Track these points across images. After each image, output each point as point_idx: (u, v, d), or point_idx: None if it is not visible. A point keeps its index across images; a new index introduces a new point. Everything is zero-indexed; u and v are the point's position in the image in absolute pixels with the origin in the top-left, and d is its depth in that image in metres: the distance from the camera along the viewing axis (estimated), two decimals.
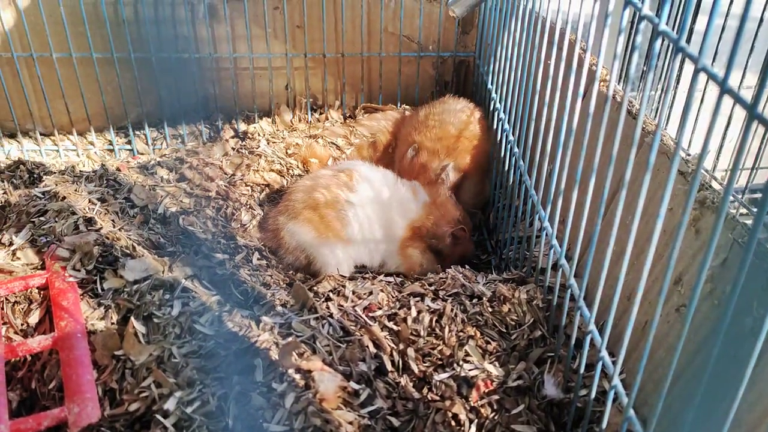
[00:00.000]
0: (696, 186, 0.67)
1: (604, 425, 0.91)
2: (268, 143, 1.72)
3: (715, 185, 1.02)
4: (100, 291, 1.06)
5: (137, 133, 1.92)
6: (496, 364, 1.02)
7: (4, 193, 1.55)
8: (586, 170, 1.04)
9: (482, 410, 0.96)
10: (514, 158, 1.34)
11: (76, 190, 1.26)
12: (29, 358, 1.03)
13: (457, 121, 1.57)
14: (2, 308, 1.06)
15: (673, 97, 1.76)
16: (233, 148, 1.68)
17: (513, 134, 1.37)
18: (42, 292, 1.09)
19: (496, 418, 0.96)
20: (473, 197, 1.60)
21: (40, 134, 1.89)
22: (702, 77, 0.60)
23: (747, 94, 0.53)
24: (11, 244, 1.15)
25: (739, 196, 1.62)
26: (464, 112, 1.60)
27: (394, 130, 1.76)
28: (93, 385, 0.92)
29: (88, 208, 1.22)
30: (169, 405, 0.89)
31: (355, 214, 1.37)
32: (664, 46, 1.69)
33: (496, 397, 0.98)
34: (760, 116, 0.52)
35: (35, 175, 1.62)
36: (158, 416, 0.88)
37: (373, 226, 1.39)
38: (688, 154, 1.53)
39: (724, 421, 0.63)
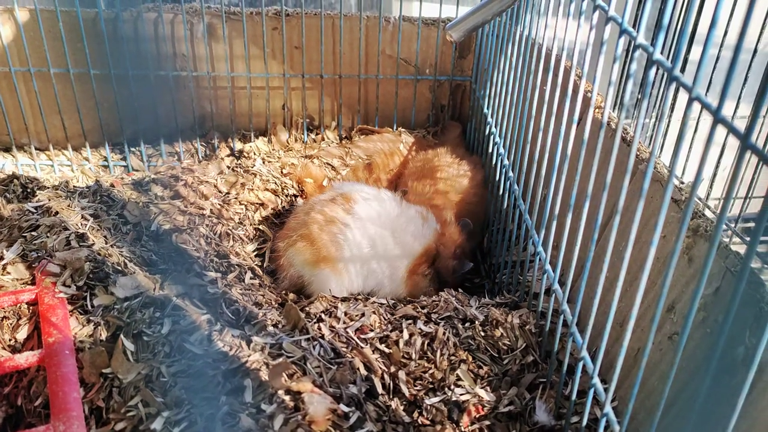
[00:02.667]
0: (689, 214, 0.67)
1: None
2: (263, 162, 1.72)
3: (709, 214, 1.03)
4: (89, 307, 1.05)
5: (133, 149, 1.92)
6: (488, 388, 1.02)
7: None
8: (580, 196, 1.05)
9: None
10: (508, 182, 1.34)
11: (69, 206, 1.26)
12: (16, 374, 1.02)
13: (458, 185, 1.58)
14: None
15: (667, 125, 1.78)
16: (228, 167, 1.68)
17: (508, 159, 1.38)
18: (31, 308, 1.08)
19: None
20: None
21: (36, 149, 1.89)
22: (696, 106, 0.60)
23: (741, 124, 0.53)
24: (1, 258, 1.14)
25: (733, 225, 1.63)
26: (465, 177, 1.60)
27: (403, 161, 1.76)
28: (79, 403, 0.91)
29: (81, 224, 1.21)
30: (156, 425, 0.88)
31: (353, 237, 1.36)
32: (659, 75, 1.70)
33: (488, 422, 0.97)
34: (753, 146, 0.52)
35: (29, 190, 1.61)
36: None
37: (376, 250, 1.38)
38: (682, 182, 1.53)
39: None
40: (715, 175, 1.58)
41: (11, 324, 1.07)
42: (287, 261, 1.37)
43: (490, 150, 1.55)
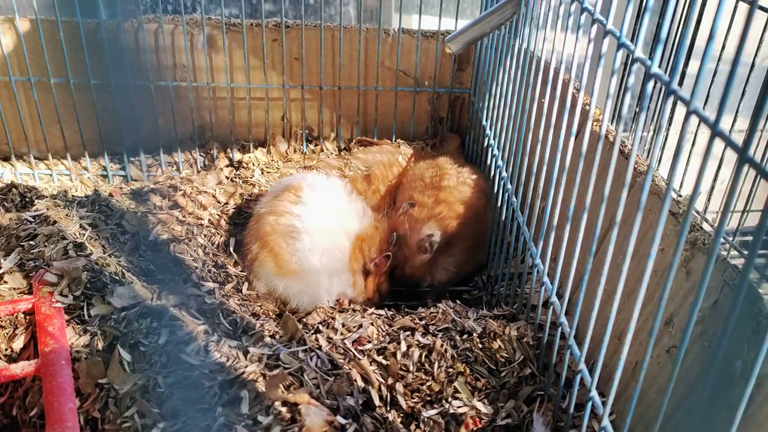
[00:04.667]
0: (687, 227, 0.67)
1: None
2: (262, 173, 1.72)
3: (707, 227, 1.03)
4: (86, 317, 1.05)
5: (132, 159, 1.92)
6: (486, 401, 1.01)
7: None
8: (578, 208, 1.05)
9: None
10: (507, 194, 1.34)
11: (67, 215, 1.25)
12: (11, 384, 1.02)
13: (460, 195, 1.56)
14: None
15: (665, 138, 1.78)
16: (227, 177, 1.68)
17: (506, 170, 1.38)
18: (28, 317, 1.08)
19: None
20: (458, 265, 1.56)
21: (35, 158, 1.89)
22: (694, 119, 0.60)
23: (738, 138, 0.53)
24: None
25: (731, 239, 1.63)
26: (468, 185, 1.58)
27: (402, 172, 1.75)
28: (75, 413, 0.91)
29: (79, 233, 1.21)
30: None
31: (308, 233, 1.33)
32: (657, 88, 1.71)
33: None
34: (750, 159, 0.52)
35: (27, 199, 1.61)
36: None
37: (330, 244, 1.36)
38: (680, 195, 1.54)
39: None
40: (712, 188, 1.58)
41: (8, 333, 1.07)
42: (254, 275, 1.36)
43: (488, 162, 1.55)
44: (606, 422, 0.83)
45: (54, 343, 0.99)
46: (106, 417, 0.93)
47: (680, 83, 1.60)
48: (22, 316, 1.08)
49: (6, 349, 1.06)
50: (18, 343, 1.06)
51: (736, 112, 1.53)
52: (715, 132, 0.54)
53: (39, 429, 0.96)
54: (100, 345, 1.01)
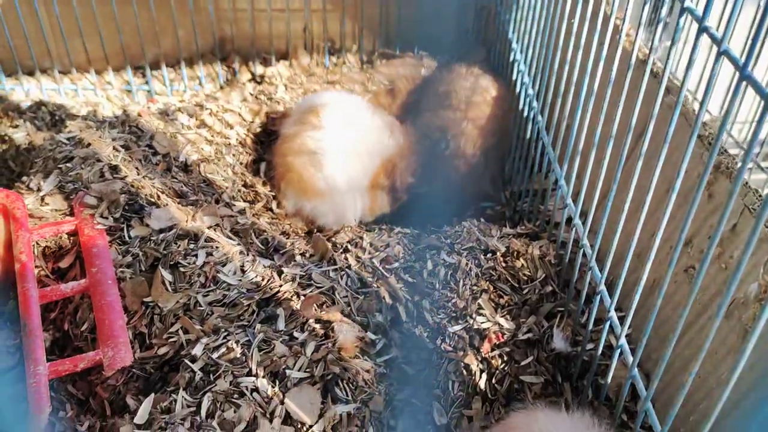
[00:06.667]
0: (716, 151, 0.69)
1: (609, 379, 0.96)
2: (286, 89, 1.73)
3: (732, 151, 1.03)
4: (127, 239, 1.10)
5: (154, 73, 1.92)
6: (508, 317, 1.06)
7: (27, 134, 1.57)
8: (605, 128, 1.05)
9: (493, 361, 1.01)
10: (532, 113, 1.34)
11: (100, 137, 1.28)
12: (61, 301, 1.08)
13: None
14: (34, 253, 1.10)
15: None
16: (251, 94, 1.69)
17: (533, 88, 1.37)
18: (72, 238, 1.13)
19: (505, 368, 1.00)
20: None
21: (59, 72, 1.90)
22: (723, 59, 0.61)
23: None
24: (39, 189, 1.18)
25: (756, 151, 1.62)
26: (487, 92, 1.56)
27: (423, 83, 1.73)
28: (125, 330, 0.97)
29: (113, 156, 1.24)
30: (196, 350, 0.94)
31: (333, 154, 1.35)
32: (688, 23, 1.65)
33: (507, 349, 1.02)
34: None
35: (57, 117, 1.64)
36: (186, 361, 0.93)
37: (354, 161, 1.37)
38: (710, 114, 1.52)
39: (727, 381, 0.66)
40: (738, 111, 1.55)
41: (53, 254, 1.13)
42: (282, 196, 1.40)
43: (513, 78, 1.53)
44: (623, 341, 0.88)
45: (100, 264, 1.05)
46: (152, 332, 0.99)
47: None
48: (66, 237, 1.14)
49: (53, 269, 1.12)
50: (64, 263, 1.12)
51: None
52: (744, 75, 0.54)
53: (90, 342, 1.03)
54: (143, 266, 1.06)
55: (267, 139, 1.55)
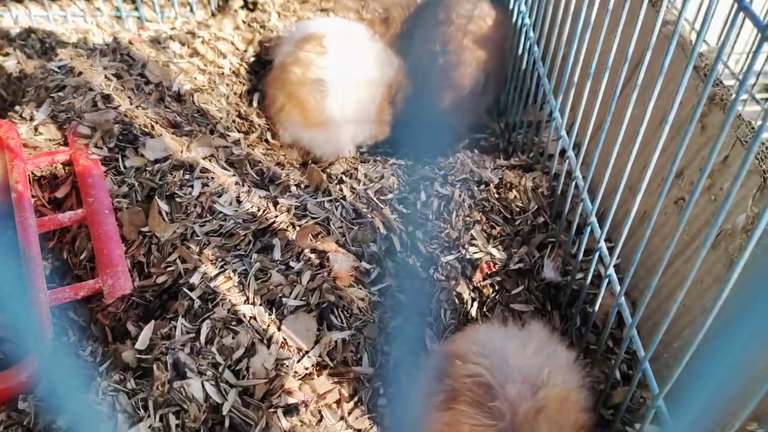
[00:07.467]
0: (710, 83, 0.69)
1: (596, 307, 0.99)
2: (279, 17, 1.69)
3: (728, 82, 1.03)
4: (122, 169, 1.10)
5: None
6: (500, 247, 1.08)
7: (18, 63, 1.55)
8: (601, 58, 1.04)
9: (484, 290, 1.03)
10: (528, 43, 1.32)
11: (91, 66, 1.27)
12: (59, 231, 1.10)
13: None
14: (30, 182, 1.10)
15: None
16: (244, 21, 1.65)
17: (529, 17, 1.35)
18: (67, 168, 1.13)
19: (497, 297, 1.03)
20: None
21: None
22: None
23: None
24: (32, 119, 1.17)
25: (752, 82, 1.61)
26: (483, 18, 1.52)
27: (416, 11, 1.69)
28: (123, 259, 0.99)
29: (105, 85, 1.23)
30: (194, 279, 0.96)
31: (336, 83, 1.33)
32: None
33: (498, 278, 1.05)
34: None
35: (47, 45, 1.61)
36: (185, 289, 0.96)
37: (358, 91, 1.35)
38: (707, 44, 1.50)
39: (710, 309, 0.68)
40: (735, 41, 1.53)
41: (49, 183, 1.13)
42: (280, 125, 1.38)
43: (510, 7, 1.50)
44: (611, 271, 0.90)
45: (96, 193, 1.05)
46: (150, 261, 1.01)
47: None
48: (61, 167, 1.14)
49: (49, 198, 1.12)
50: (60, 193, 1.12)
51: None
52: (741, 6, 0.54)
53: (89, 271, 1.05)
54: (139, 196, 1.07)
55: (261, 69, 1.53)
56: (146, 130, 1.16)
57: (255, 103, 1.45)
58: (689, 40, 1.05)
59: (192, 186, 1.08)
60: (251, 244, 1.01)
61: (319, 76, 1.31)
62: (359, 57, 1.36)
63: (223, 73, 1.44)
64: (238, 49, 1.54)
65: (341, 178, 1.18)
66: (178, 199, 1.05)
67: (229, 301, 0.94)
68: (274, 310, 0.94)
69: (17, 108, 1.21)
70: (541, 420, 0.71)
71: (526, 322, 0.90)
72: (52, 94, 1.20)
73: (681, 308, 0.94)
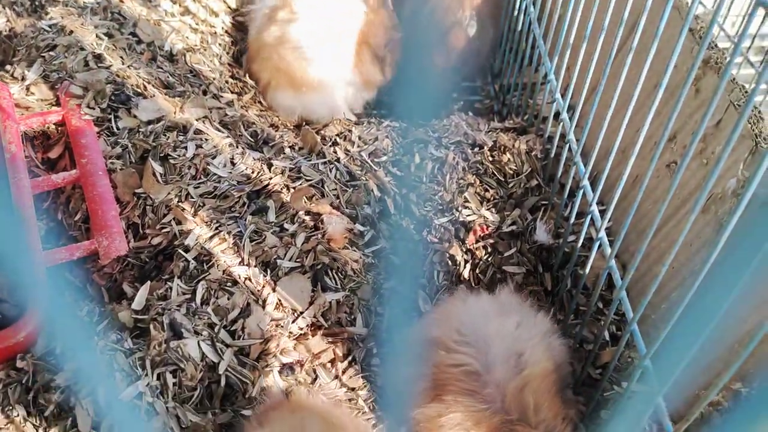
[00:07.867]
0: (705, 46, 0.69)
1: (587, 269, 1.00)
2: None
3: (723, 45, 1.02)
4: (115, 130, 1.10)
5: None
6: (493, 210, 1.09)
7: (8, 21, 1.52)
8: (597, 20, 1.04)
9: (477, 252, 1.05)
10: (524, 3, 1.31)
11: (82, 24, 1.25)
12: (53, 192, 1.09)
13: None
14: (23, 143, 1.10)
15: None
16: None
17: None
18: (59, 128, 1.13)
19: (489, 259, 1.04)
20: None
21: None
22: None
23: None
24: (24, 78, 1.16)
25: (747, 44, 1.59)
26: None
27: None
28: (118, 220, 0.99)
29: (96, 44, 1.22)
30: (189, 241, 0.97)
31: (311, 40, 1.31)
32: None
33: (491, 240, 1.06)
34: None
35: (37, 2, 1.58)
36: (180, 250, 0.96)
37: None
38: (704, 6, 1.48)
39: (699, 272, 0.69)
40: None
41: (41, 144, 1.13)
42: (272, 100, 1.37)
43: None
44: (602, 234, 0.91)
45: (89, 154, 1.05)
46: (145, 222, 1.02)
47: None
48: (54, 127, 1.13)
49: (42, 159, 1.12)
50: (53, 154, 1.12)
51: None
52: None
53: (84, 232, 1.05)
54: (132, 157, 1.07)
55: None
56: (139, 90, 1.15)
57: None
58: (685, 2, 1.04)
59: (186, 147, 1.07)
60: (246, 206, 1.02)
61: (298, 44, 1.29)
62: (328, 12, 1.33)
63: (215, 33, 1.42)
64: (230, 8, 1.51)
65: (335, 140, 1.18)
66: (172, 161, 1.05)
67: (224, 262, 0.95)
68: (268, 272, 0.94)
69: (8, 67, 1.19)
70: (527, 392, 0.75)
71: (499, 290, 0.92)
72: (43, 54, 1.19)
73: (670, 271, 0.95)
